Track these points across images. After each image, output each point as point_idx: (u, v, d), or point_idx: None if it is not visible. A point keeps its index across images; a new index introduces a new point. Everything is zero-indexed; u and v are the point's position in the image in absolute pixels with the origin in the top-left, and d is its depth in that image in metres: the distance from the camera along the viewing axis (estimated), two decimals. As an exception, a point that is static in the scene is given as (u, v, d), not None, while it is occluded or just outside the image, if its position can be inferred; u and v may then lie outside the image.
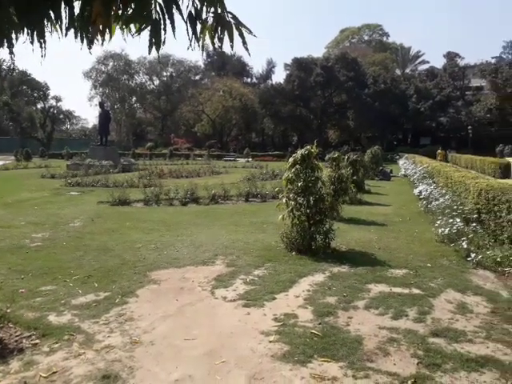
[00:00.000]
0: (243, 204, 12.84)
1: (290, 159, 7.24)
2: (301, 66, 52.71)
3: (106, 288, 5.20)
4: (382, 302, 4.77)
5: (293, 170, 7.05)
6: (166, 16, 1.63)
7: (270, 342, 3.81)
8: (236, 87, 58.05)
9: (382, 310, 4.55)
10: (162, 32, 1.66)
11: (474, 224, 7.75)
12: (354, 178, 14.05)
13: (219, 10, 1.71)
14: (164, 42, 1.69)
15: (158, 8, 1.63)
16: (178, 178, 21.15)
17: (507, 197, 6.59)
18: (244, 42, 1.80)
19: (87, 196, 14.39)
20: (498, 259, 6.04)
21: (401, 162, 31.88)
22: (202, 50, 1.81)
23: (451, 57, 53.18)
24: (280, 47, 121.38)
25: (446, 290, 5.22)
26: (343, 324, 4.19)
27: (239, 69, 67.64)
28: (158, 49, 1.71)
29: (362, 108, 48.32)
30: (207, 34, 1.77)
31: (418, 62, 68.33)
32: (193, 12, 1.68)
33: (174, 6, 1.62)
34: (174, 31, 1.68)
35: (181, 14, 1.67)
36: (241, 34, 1.80)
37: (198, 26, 1.72)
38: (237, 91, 57.56)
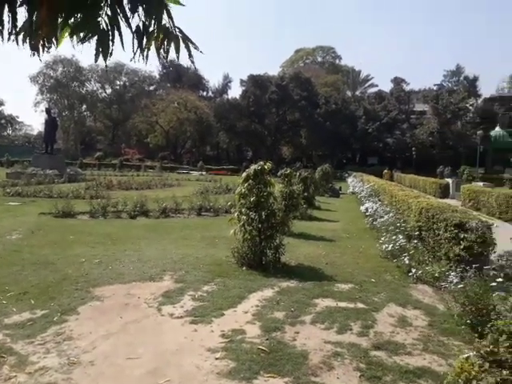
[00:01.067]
0: (195, 218, 12.68)
1: (243, 174, 7.30)
2: (256, 83, 53.65)
3: (43, 305, 4.89)
4: (328, 316, 4.87)
5: (245, 184, 7.11)
6: (115, 27, 1.62)
7: (217, 358, 3.76)
8: (191, 100, 57.85)
9: (328, 324, 4.65)
10: (110, 43, 1.65)
11: (416, 241, 8.17)
12: (305, 194, 14.41)
13: (167, 25, 1.74)
14: (111, 52, 1.68)
15: (106, 19, 1.62)
16: (128, 189, 20.55)
17: (445, 215, 7.02)
18: (190, 55, 1.84)
19: (28, 207, 13.56)
20: (436, 274, 6.39)
21: (349, 179, 33.13)
22: (146, 60, 1.81)
23: (398, 82, 56.50)
24: (237, 63, 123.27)
25: (389, 304, 5.44)
26: (290, 339, 4.22)
27: (195, 81, 67.56)
28: (105, 59, 1.69)
29: (314, 127, 49.89)
30: (153, 44, 1.79)
31: (367, 85, 71.91)
32: (140, 25, 1.69)
33: (123, 18, 1.62)
34: (122, 43, 1.68)
35: (129, 26, 1.67)
36: (187, 48, 1.83)
37: (145, 40, 1.73)
38: (192, 104, 57.35)
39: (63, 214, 11.61)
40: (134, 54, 1.72)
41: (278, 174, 12.77)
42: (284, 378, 3.47)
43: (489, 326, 2.14)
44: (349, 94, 64.93)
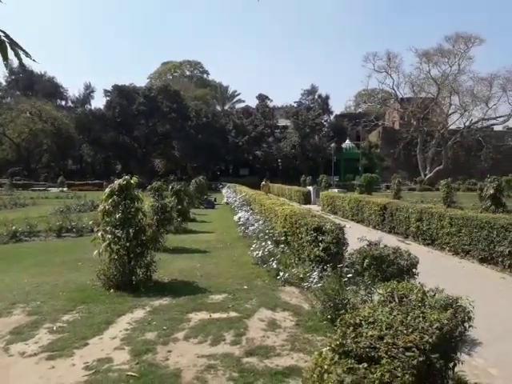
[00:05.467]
0: (54, 240, 11.41)
1: (107, 190, 6.83)
2: (122, 94, 51.38)
3: None
4: (202, 329, 4.83)
5: (110, 201, 6.65)
6: None
7: (78, 396, 3.38)
8: (47, 110, 52.43)
9: (201, 338, 4.60)
10: None
11: (283, 245, 8.72)
12: (179, 207, 14.19)
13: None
14: None
15: None
16: (-32, 212, 17.49)
17: (305, 220, 7.66)
18: (21, 64, 1.63)
19: None
20: (301, 275, 6.89)
21: (224, 190, 33.92)
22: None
23: (262, 98, 60.24)
24: (99, 72, 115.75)
25: (260, 309, 5.65)
26: (162, 359, 4.05)
27: (51, 90, 61.54)
28: None
29: (187, 139, 49.95)
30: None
31: (235, 100, 74.94)
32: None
33: None
34: None
35: None
36: (17, 55, 1.62)
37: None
38: (48, 114, 51.98)
39: None
40: None
41: (148, 187, 12.35)
42: (155, 402, 3.29)
43: (338, 320, 2.35)
44: (218, 108, 66.75)
